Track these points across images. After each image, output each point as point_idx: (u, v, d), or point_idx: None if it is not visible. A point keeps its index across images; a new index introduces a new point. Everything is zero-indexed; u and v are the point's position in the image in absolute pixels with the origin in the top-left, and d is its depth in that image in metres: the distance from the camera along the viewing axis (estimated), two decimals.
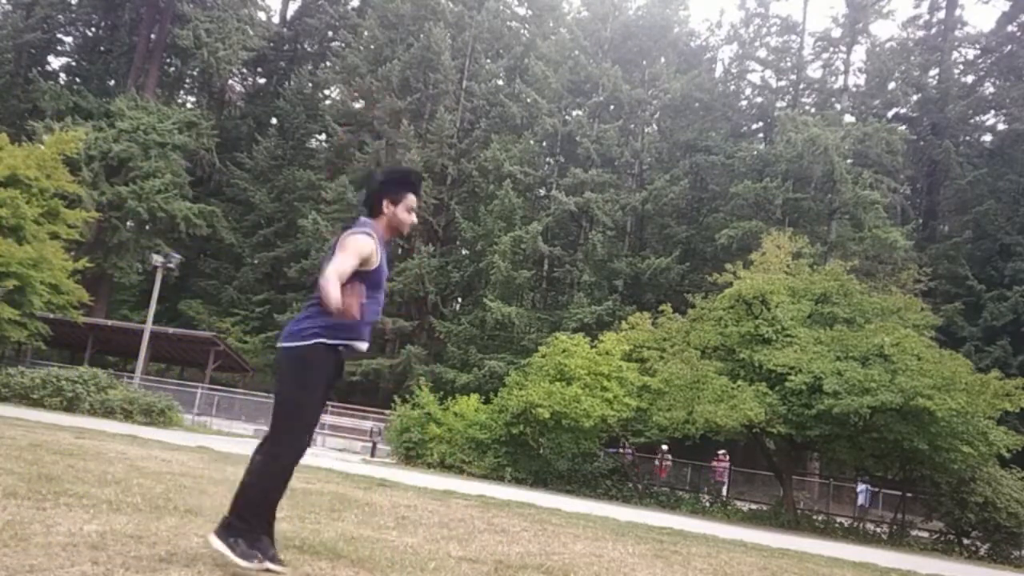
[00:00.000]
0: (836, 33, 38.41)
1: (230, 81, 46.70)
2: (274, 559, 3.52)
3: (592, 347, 19.86)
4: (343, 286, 3.32)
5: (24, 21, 42.86)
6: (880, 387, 15.39)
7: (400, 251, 39.54)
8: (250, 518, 3.52)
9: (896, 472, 18.60)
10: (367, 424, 25.22)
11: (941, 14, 43.22)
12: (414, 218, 3.67)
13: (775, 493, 21.49)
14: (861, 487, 22.63)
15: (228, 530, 3.49)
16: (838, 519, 19.28)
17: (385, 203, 3.57)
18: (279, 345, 3.60)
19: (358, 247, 3.43)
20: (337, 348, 3.53)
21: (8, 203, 21.82)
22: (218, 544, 3.46)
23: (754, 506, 20.38)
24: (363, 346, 3.65)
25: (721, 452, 22.66)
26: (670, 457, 22.74)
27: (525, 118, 38.20)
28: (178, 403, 20.79)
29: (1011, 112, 38.50)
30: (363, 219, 3.63)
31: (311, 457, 15.85)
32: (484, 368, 32.10)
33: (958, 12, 42.90)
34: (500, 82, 41.52)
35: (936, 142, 39.17)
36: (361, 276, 3.45)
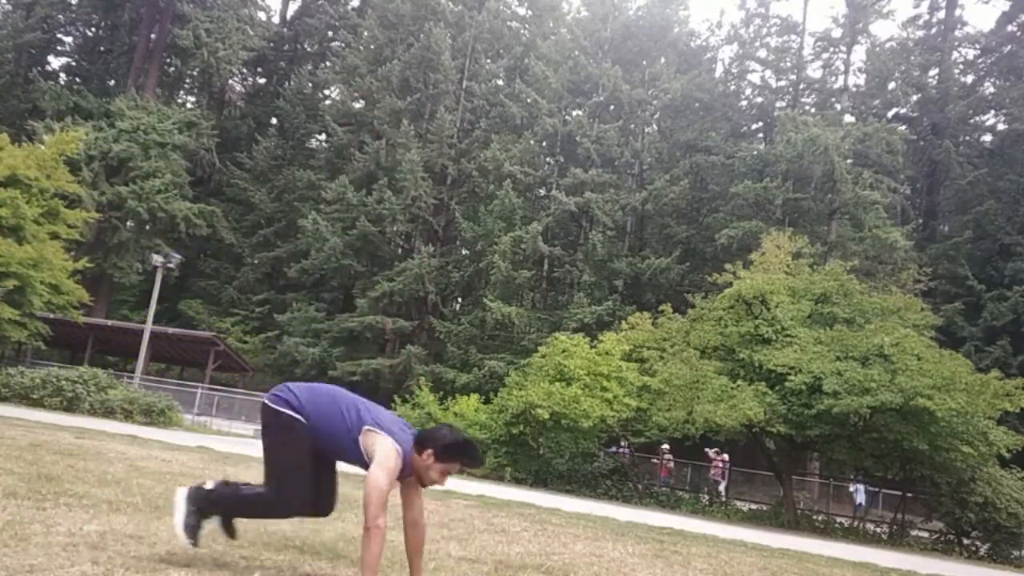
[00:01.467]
0: (836, 33, 38.42)
1: (230, 81, 46.69)
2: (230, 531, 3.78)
3: (592, 347, 19.85)
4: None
5: (24, 21, 42.84)
6: (880, 387, 15.39)
7: (400, 251, 39.55)
8: (219, 508, 3.70)
9: (896, 472, 18.60)
10: None
11: (941, 14, 43.23)
12: (438, 483, 3.64)
13: (775, 493, 21.49)
14: (854, 487, 22.60)
15: (195, 501, 3.65)
16: (838, 519, 19.27)
17: (430, 454, 3.53)
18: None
19: (394, 464, 3.44)
20: None
21: (8, 203, 21.81)
22: (180, 499, 3.65)
23: (754, 506, 20.39)
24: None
25: (713, 450, 22.66)
26: (670, 457, 22.72)
27: (525, 118, 38.20)
28: (178, 403, 20.79)
29: (1011, 112, 38.49)
30: (409, 435, 3.60)
31: None
32: (484, 368, 32.10)
33: (958, 12, 42.92)
34: (500, 82, 41.52)
35: (936, 142, 39.17)
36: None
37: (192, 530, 3.59)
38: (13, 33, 42.40)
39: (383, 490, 3.32)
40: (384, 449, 3.43)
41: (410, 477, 3.60)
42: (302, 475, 3.58)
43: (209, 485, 3.77)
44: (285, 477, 3.59)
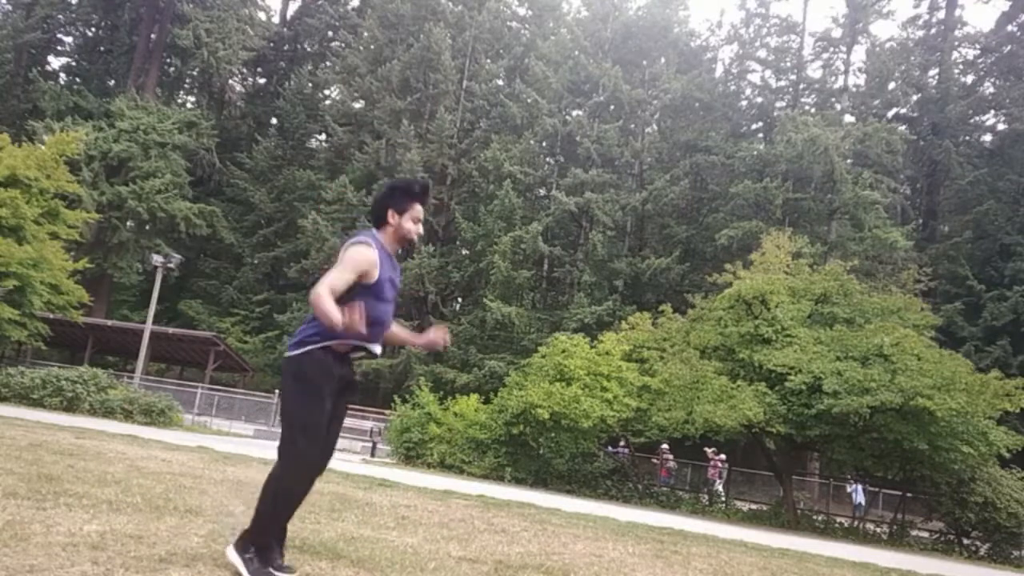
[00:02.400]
0: (836, 33, 38.44)
1: (230, 81, 46.71)
2: (281, 568, 3.48)
3: (592, 347, 19.85)
4: (342, 302, 3.25)
5: (24, 21, 42.86)
6: (880, 387, 15.39)
7: (400, 251, 39.52)
8: (263, 534, 3.47)
9: (896, 472, 18.59)
10: (367, 424, 25.24)
11: (941, 14, 43.24)
12: (420, 228, 3.61)
13: (775, 493, 21.49)
14: (852, 487, 22.60)
15: (244, 544, 3.46)
16: (838, 519, 19.28)
17: (390, 213, 3.51)
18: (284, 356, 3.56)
19: (355, 260, 3.35)
20: (339, 352, 3.46)
21: (8, 203, 21.82)
22: (234, 557, 3.44)
23: (754, 506, 20.38)
24: (374, 348, 3.57)
25: (711, 450, 22.71)
26: (670, 456, 22.73)
27: (525, 118, 38.20)
28: (178, 403, 20.78)
29: (1011, 112, 38.50)
30: (367, 230, 3.58)
31: None
32: (484, 368, 32.11)
33: (958, 12, 42.95)
34: (500, 82, 41.53)
35: (936, 142, 39.17)
36: (363, 290, 3.39)
37: (264, 572, 3.38)
38: (13, 33, 42.43)
39: (335, 286, 3.24)
40: (346, 257, 3.34)
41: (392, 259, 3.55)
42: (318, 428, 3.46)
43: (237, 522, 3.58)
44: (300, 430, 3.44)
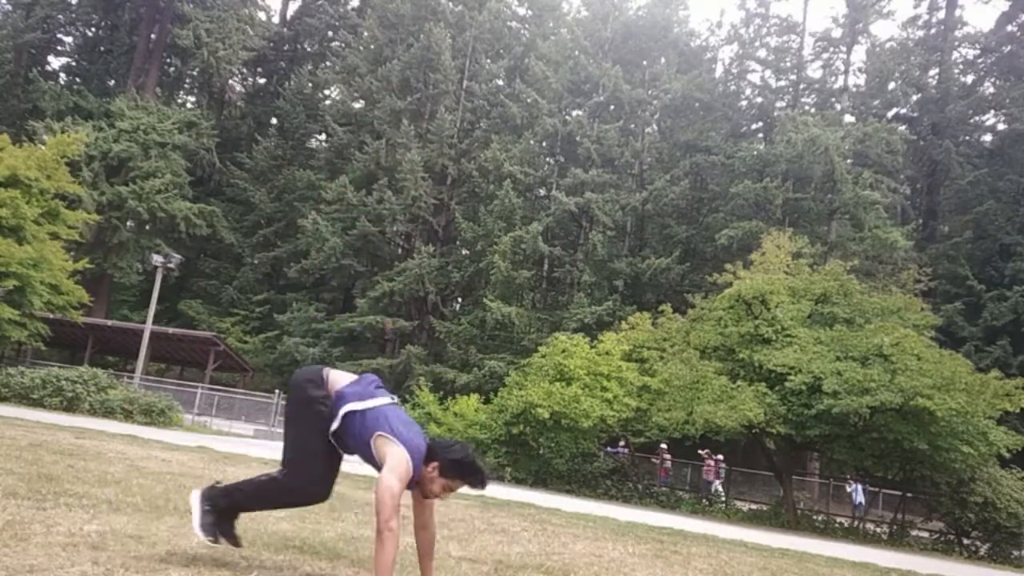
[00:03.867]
0: (836, 33, 38.44)
1: (230, 81, 46.68)
2: (229, 535, 3.69)
3: (592, 347, 19.85)
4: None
5: (24, 21, 42.84)
6: (880, 387, 15.39)
7: (400, 251, 39.55)
8: (234, 507, 3.69)
9: (896, 472, 18.60)
10: None
11: (941, 14, 43.23)
12: (439, 497, 3.64)
13: (775, 493, 21.49)
14: (852, 487, 22.58)
15: (211, 499, 3.65)
16: (838, 519, 19.29)
17: (434, 468, 3.50)
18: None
19: (406, 471, 3.41)
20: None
21: (8, 203, 21.82)
22: (194, 502, 3.63)
23: (754, 506, 20.39)
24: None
25: (704, 452, 22.77)
26: (668, 456, 22.76)
27: (525, 118, 38.18)
28: (178, 403, 20.78)
29: (1011, 112, 38.49)
30: (424, 443, 3.57)
31: None
32: (484, 368, 32.09)
33: (958, 12, 42.93)
34: (500, 82, 41.51)
35: (936, 142, 39.17)
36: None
37: (210, 528, 3.60)
38: (13, 33, 42.41)
39: (395, 494, 3.31)
40: (395, 456, 3.41)
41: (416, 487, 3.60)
42: (325, 459, 3.65)
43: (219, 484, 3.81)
44: (306, 458, 3.64)
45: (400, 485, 3.37)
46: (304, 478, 3.65)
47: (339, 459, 3.74)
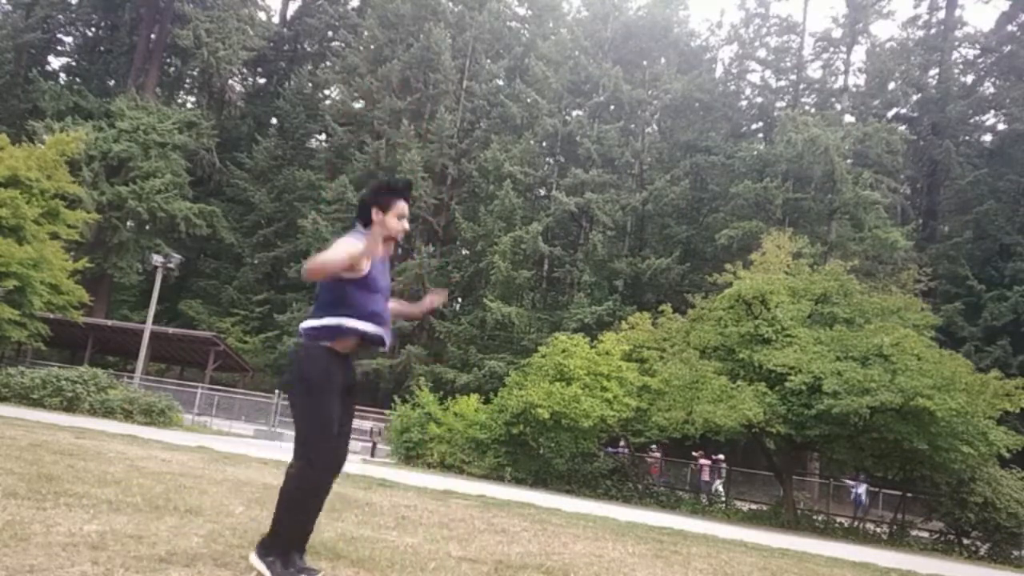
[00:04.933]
0: (836, 33, 38.44)
1: (230, 81, 46.69)
2: (303, 570, 3.47)
3: (592, 347, 19.85)
4: (334, 293, 3.37)
5: (24, 21, 42.87)
6: (880, 387, 15.39)
7: (400, 251, 39.55)
8: (284, 540, 3.46)
9: (896, 472, 18.60)
10: (367, 424, 25.22)
11: (941, 14, 43.23)
12: (406, 224, 3.63)
13: (775, 493, 21.49)
14: (854, 486, 22.61)
15: (266, 548, 3.46)
16: (838, 519, 19.28)
17: (374, 211, 3.54)
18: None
19: (345, 244, 3.36)
20: (342, 354, 3.49)
21: (8, 203, 21.83)
22: (256, 563, 3.43)
23: (754, 506, 20.39)
24: (384, 336, 3.53)
25: (698, 453, 22.82)
26: (657, 455, 22.82)
27: (525, 118, 38.19)
28: (178, 403, 20.78)
29: (1011, 112, 38.48)
30: (355, 230, 3.60)
31: None
32: (484, 368, 32.10)
33: (958, 12, 42.91)
34: (500, 82, 41.53)
35: (936, 142, 39.16)
36: (354, 284, 3.42)
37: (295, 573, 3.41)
38: (13, 33, 42.43)
39: (324, 258, 3.25)
40: (339, 240, 3.40)
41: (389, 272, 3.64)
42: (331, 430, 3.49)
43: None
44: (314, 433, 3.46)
45: (345, 253, 3.29)
46: (317, 444, 3.45)
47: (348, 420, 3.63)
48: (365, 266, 3.43)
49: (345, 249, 3.33)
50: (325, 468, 3.50)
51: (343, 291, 3.41)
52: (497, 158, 35.89)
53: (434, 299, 3.94)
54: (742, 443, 23.68)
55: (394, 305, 3.83)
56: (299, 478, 3.46)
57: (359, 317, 3.43)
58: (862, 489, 22.05)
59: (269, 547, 3.45)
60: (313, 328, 3.46)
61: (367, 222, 3.56)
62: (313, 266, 3.26)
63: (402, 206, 3.59)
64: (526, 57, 39.87)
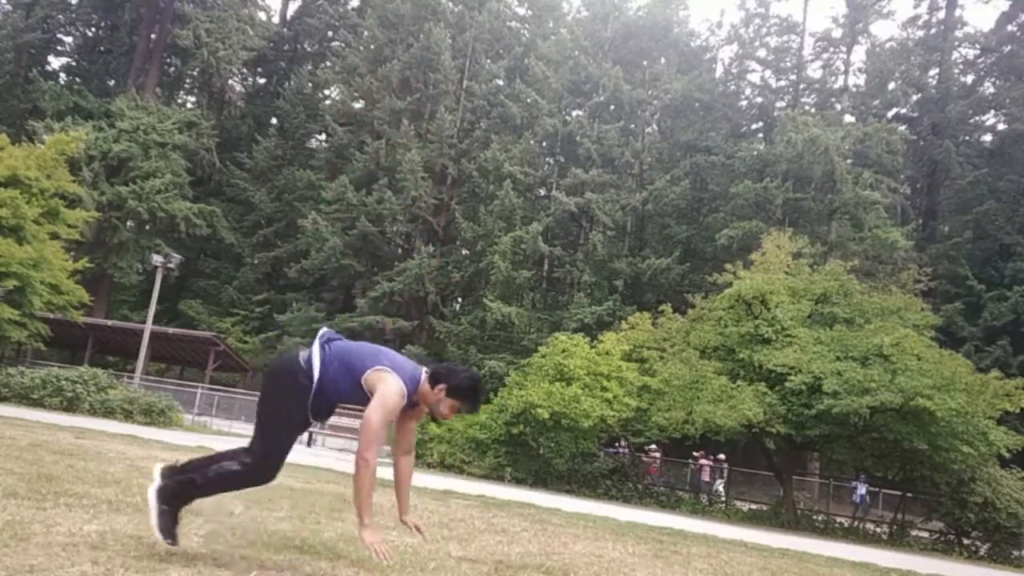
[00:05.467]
0: (836, 33, 38.43)
1: (230, 81, 46.68)
2: (175, 537, 3.69)
3: (592, 347, 19.85)
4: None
5: (24, 21, 42.85)
6: (880, 387, 15.39)
7: (400, 251, 39.55)
8: (187, 499, 3.70)
9: (896, 472, 18.61)
10: None
11: (941, 14, 43.22)
12: (448, 417, 3.80)
13: (775, 493, 21.49)
14: (855, 486, 22.61)
15: (167, 496, 3.63)
16: (838, 519, 19.29)
17: (440, 389, 3.67)
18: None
19: (398, 400, 3.54)
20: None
21: (8, 203, 21.81)
22: (152, 500, 3.62)
23: (754, 506, 20.40)
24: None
25: (698, 453, 22.80)
26: (656, 455, 22.82)
27: (525, 118, 38.18)
28: (178, 403, 20.77)
29: (1011, 112, 38.48)
30: (421, 368, 3.75)
31: (311, 457, 15.80)
32: (484, 368, 32.07)
33: (958, 12, 42.90)
34: (500, 82, 41.51)
35: (936, 142, 39.16)
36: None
37: (169, 531, 3.62)
38: (13, 33, 42.41)
39: (375, 426, 3.46)
40: (386, 387, 3.53)
41: (413, 409, 3.74)
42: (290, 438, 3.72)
43: (168, 471, 3.73)
44: (275, 439, 3.67)
45: (386, 418, 3.52)
46: (275, 461, 3.68)
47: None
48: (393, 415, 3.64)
49: (389, 413, 3.54)
50: (270, 476, 3.70)
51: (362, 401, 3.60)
52: (497, 158, 35.88)
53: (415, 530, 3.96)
54: (742, 443, 23.68)
55: (405, 483, 3.96)
56: (248, 473, 3.66)
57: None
58: (863, 489, 22.05)
59: (170, 498, 3.62)
60: (312, 369, 3.62)
61: (432, 383, 3.69)
62: (382, 419, 3.49)
63: (463, 405, 3.74)
64: (526, 57, 39.85)
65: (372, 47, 42.35)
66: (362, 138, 40.08)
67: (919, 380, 15.33)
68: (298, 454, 15.44)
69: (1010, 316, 32.08)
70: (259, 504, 5.83)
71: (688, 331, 19.91)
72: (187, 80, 49.68)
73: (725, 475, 22.89)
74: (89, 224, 30.78)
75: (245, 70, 50.44)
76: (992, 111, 41.66)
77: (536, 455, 18.82)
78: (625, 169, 38.70)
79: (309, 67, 48.80)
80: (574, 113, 38.55)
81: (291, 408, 3.65)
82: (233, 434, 21.06)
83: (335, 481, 9.64)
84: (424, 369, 3.74)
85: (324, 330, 3.82)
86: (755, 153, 35.96)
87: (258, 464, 3.65)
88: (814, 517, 18.53)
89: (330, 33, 51.27)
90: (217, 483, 3.69)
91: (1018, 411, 16.22)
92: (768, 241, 22.79)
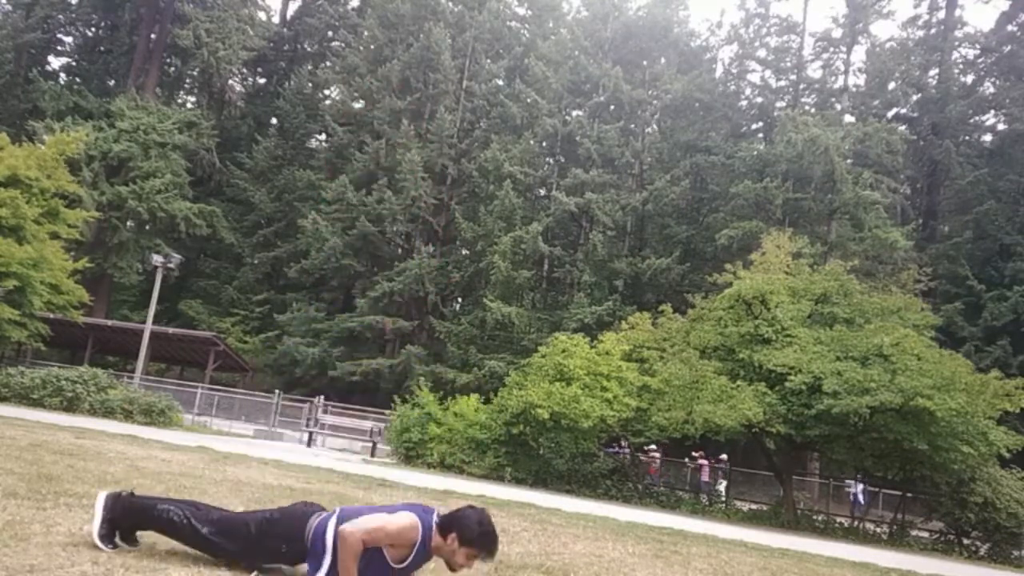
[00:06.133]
0: (836, 33, 38.41)
1: (230, 81, 46.69)
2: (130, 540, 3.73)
3: (592, 347, 19.84)
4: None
5: (24, 21, 42.87)
6: (880, 387, 15.38)
7: (400, 251, 39.55)
8: (134, 525, 3.71)
9: (896, 472, 18.60)
10: (367, 424, 25.20)
11: (941, 14, 43.21)
12: (466, 567, 3.61)
13: (775, 493, 21.49)
14: (854, 486, 22.61)
15: (113, 514, 3.65)
16: (838, 519, 19.27)
17: (453, 538, 3.53)
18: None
19: (403, 530, 3.42)
20: None
21: (8, 203, 21.81)
22: (99, 509, 3.64)
23: (754, 506, 20.39)
24: None
25: (697, 454, 22.80)
26: (656, 456, 22.83)
27: (525, 118, 38.19)
28: (178, 403, 20.76)
29: (1011, 112, 38.47)
30: (434, 520, 3.60)
31: (312, 457, 15.77)
32: (484, 368, 32.09)
33: (958, 12, 42.89)
34: (500, 82, 41.54)
35: (936, 142, 39.15)
36: (382, 563, 3.45)
37: (108, 539, 3.64)
38: (13, 33, 42.43)
39: (357, 538, 3.33)
40: (399, 516, 3.46)
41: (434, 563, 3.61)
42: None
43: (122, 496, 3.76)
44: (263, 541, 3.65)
45: (383, 535, 3.37)
46: (239, 548, 3.64)
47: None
48: (407, 559, 3.50)
49: (404, 534, 3.41)
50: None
51: (366, 559, 3.42)
52: (497, 158, 35.89)
53: None
54: (742, 443, 23.64)
55: None
56: (198, 543, 3.65)
57: None
58: (859, 488, 22.04)
59: (115, 518, 3.65)
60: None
61: (444, 532, 3.55)
62: (374, 534, 3.36)
63: (479, 553, 3.58)
64: (526, 57, 39.87)
65: (372, 47, 42.38)
66: (362, 138, 40.11)
67: (919, 380, 15.32)
68: (298, 454, 15.45)
69: (1010, 316, 32.08)
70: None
71: (688, 331, 19.90)
72: (187, 80, 49.69)
73: (726, 476, 22.88)
74: (89, 224, 30.79)
75: (245, 70, 50.46)
76: (992, 111, 41.66)
77: (536, 455, 18.80)
78: (625, 169, 38.71)
79: (309, 67, 48.84)
80: (574, 113, 38.56)
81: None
82: (233, 434, 21.06)
83: (335, 481, 9.64)
84: (432, 519, 3.58)
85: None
86: (755, 153, 35.94)
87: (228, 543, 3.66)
88: (814, 517, 18.52)
89: (330, 33, 51.29)
90: (177, 531, 3.70)
91: (1018, 411, 16.20)
92: (768, 241, 22.77)
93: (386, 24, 41.24)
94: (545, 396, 17.69)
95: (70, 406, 18.28)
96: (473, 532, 3.50)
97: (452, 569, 3.59)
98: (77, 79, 45.22)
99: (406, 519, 3.43)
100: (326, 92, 48.84)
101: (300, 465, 11.69)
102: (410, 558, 3.48)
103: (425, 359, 34.71)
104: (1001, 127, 40.69)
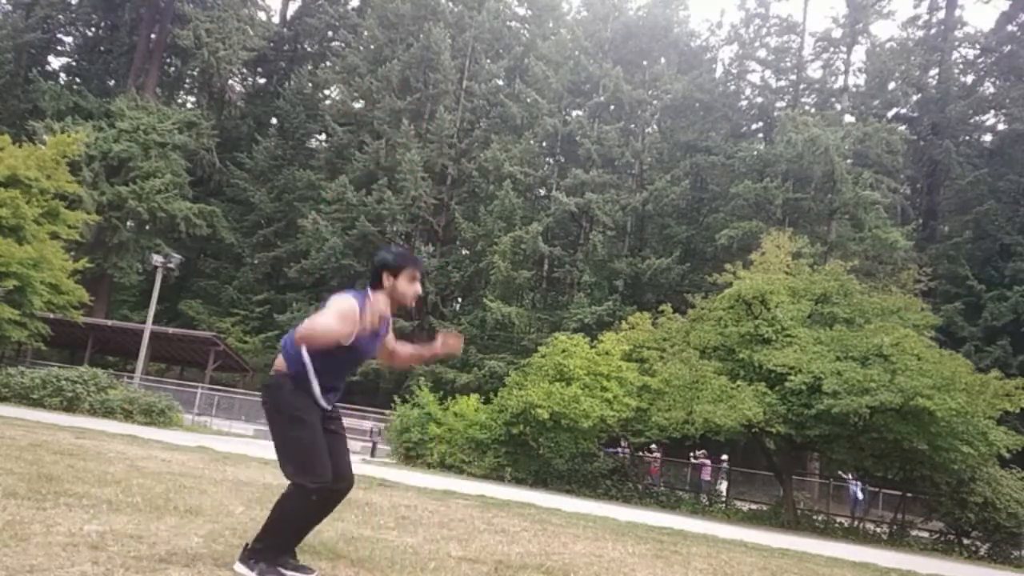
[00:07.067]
0: (836, 33, 38.43)
1: (230, 81, 46.69)
2: (297, 568, 3.49)
3: (592, 347, 19.84)
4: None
5: (24, 21, 42.87)
6: (880, 387, 15.38)
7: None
8: (274, 546, 3.47)
9: (896, 472, 18.60)
10: (367, 424, 25.22)
11: (941, 14, 43.23)
12: (418, 287, 3.60)
13: (775, 493, 21.49)
14: (852, 485, 22.60)
15: (254, 556, 3.45)
16: (838, 519, 19.28)
17: (385, 276, 3.52)
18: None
19: (341, 313, 3.32)
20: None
21: (8, 203, 21.82)
22: (242, 569, 3.44)
23: (754, 506, 20.39)
24: (324, 407, 3.52)
25: (700, 452, 22.81)
26: (657, 455, 22.84)
27: (525, 118, 38.19)
28: (178, 403, 20.78)
29: (1011, 112, 38.49)
30: (360, 290, 3.56)
31: None
32: (484, 368, 32.09)
33: (958, 12, 42.91)
34: (500, 82, 41.53)
35: (936, 142, 39.16)
36: (330, 351, 3.37)
37: (272, 572, 3.40)
38: (13, 33, 42.43)
39: (329, 328, 3.24)
40: (335, 300, 3.37)
41: (383, 338, 3.61)
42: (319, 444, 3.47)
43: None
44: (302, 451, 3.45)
45: (338, 323, 3.27)
46: (315, 465, 3.43)
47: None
48: (350, 336, 3.38)
49: (340, 321, 3.29)
50: (319, 490, 3.42)
51: (317, 353, 3.38)
52: (497, 158, 35.89)
53: (448, 343, 3.71)
54: (742, 443, 23.67)
55: (408, 349, 3.87)
56: (297, 501, 3.44)
57: (319, 388, 3.44)
58: (857, 487, 22.04)
59: (258, 555, 3.43)
60: (293, 370, 3.46)
61: (375, 285, 3.53)
62: (306, 333, 3.26)
63: (413, 271, 3.56)
64: (526, 57, 39.87)
65: (372, 47, 42.39)
66: (362, 138, 40.11)
67: (919, 380, 15.32)
68: None
69: (1010, 316, 32.09)
70: (259, 504, 5.83)
71: (688, 331, 19.90)
72: (187, 80, 49.69)
73: (727, 476, 22.88)
74: (89, 224, 30.78)
75: (245, 70, 50.45)
76: (992, 111, 41.68)
77: (536, 455, 18.80)
78: (625, 169, 38.71)
79: (309, 67, 48.81)
80: (574, 113, 38.57)
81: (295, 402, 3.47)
82: (233, 434, 21.07)
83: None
84: (359, 290, 3.55)
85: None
86: (755, 153, 35.96)
87: (297, 484, 3.43)
88: (814, 517, 18.53)
89: (330, 33, 51.28)
90: (282, 518, 3.46)
91: (1018, 411, 16.20)
92: (768, 241, 22.79)
93: (386, 24, 41.24)
94: (545, 396, 17.69)
95: (70, 406, 18.29)
96: (394, 259, 3.54)
97: (406, 304, 3.64)
98: (77, 79, 45.24)
99: (339, 300, 3.38)
100: (326, 92, 48.84)
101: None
102: (367, 327, 3.43)
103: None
104: (1001, 127, 40.72)
